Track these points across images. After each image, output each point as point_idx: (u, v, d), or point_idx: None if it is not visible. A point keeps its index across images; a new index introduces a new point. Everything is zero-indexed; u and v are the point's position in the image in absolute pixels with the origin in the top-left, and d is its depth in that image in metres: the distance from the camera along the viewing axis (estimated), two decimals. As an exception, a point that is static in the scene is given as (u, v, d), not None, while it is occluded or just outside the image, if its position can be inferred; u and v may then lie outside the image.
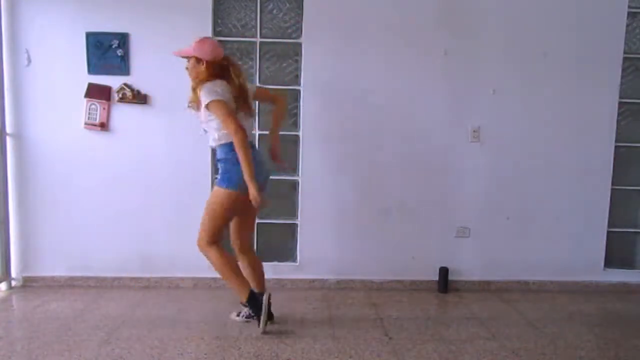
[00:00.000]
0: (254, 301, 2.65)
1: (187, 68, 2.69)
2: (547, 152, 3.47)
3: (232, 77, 2.61)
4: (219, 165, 2.67)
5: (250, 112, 2.71)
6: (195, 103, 2.63)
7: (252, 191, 2.50)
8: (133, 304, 3.09)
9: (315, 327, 2.78)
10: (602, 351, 2.58)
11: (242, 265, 2.77)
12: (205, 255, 2.69)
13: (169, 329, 2.71)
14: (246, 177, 2.49)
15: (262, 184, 2.60)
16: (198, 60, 2.62)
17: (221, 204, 2.62)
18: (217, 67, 2.61)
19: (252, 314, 2.72)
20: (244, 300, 2.66)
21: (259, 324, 2.64)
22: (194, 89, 2.60)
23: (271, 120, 2.90)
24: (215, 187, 2.67)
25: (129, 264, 3.41)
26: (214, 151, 2.82)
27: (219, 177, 2.67)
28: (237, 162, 2.50)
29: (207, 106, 2.52)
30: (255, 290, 2.72)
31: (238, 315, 2.85)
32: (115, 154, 3.33)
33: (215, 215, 2.64)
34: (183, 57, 2.69)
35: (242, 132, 2.47)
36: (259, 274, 2.83)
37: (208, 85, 2.54)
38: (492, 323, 2.91)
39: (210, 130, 2.65)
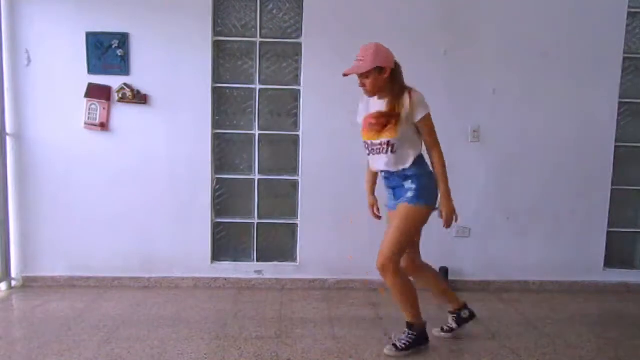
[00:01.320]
0: (421, 331, 2.50)
1: (363, 86, 2.35)
2: (547, 152, 3.47)
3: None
4: (410, 182, 2.37)
5: None
6: (390, 117, 2.32)
7: (451, 206, 2.39)
8: (133, 304, 3.09)
9: (315, 327, 2.78)
10: (602, 351, 2.57)
11: (422, 283, 2.65)
12: (389, 279, 2.40)
13: (169, 329, 2.71)
14: (445, 192, 2.37)
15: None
16: (380, 69, 2.31)
17: (420, 221, 2.42)
18: (399, 73, 2.38)
19: (409, 343, 2.47)
20: (418, 323, 2.50)
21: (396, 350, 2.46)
22: (393, 102, 2.32)
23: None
24: (411, 206, 2.35)
25: (129, 264, 3.41)
26: (390, 173, 2.43)
27: (413, 193, 2.35)
28: (432, 177, 2.39)
29: (424, 118, 2.34)
30: (452, 309, 2.67)
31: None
32: (115, 154, 3.34)
33: (410, 234, 2.40)
34: (361, 74, 2.32)
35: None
36: (444, 285, 2.72)
37: (419, 94, 2.35)
38: (492, 323, 2.91)
39: (402, 146, 2.34)
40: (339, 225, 3.44)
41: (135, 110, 3.32)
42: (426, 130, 2.39)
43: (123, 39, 3.25)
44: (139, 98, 3.30)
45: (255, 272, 3.48)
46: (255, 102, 3.41)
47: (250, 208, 3.52)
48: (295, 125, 3.44)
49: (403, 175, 2.39)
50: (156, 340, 2.56)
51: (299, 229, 3.47)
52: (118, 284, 3.42)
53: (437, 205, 2.44)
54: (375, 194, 2.68)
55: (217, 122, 3.43)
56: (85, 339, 2.56)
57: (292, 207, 3.49)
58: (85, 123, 3.29)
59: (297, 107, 3.43)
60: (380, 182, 2.56)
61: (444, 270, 3.46)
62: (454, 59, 3.37)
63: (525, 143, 3.46)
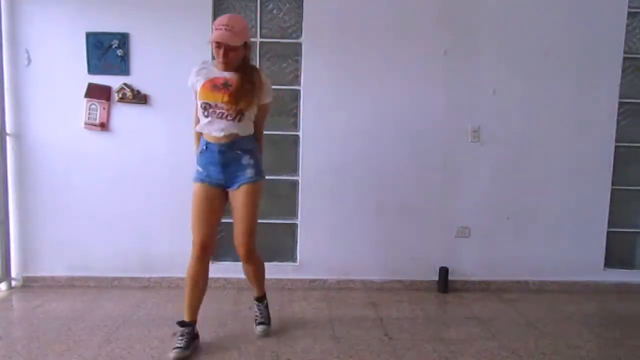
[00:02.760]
0: None
1: (225, 57, 2.27)
2: (547, 152, 3.47)
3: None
4: (248, 158, 2.38)
5: None
6: (245, 93, 2.32)
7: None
8: (133, 304, 3.10)
9: (315, 327, 2.78)
10: (602, 351, 2.58)
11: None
12: (254, 264, 2.50)
13: (169, 329, 2.70)
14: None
15: None
16: (245, 44, 2.32)
17: (261, 198, 2.45)
18: (251, 49, 2.42)
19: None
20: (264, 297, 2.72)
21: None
22: (245, 75, 2.33)
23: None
24: (252, 184, 2.37)
25: (129, 264, 3.41)
26: (229, 142, 2.37)
27: (252, 170, 2.38)
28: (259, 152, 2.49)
29: (269, 103, 2.46)
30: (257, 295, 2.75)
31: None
32: (115, 154, 3.34)
33: (258, 213, 2.43)
34: (232, 45, 2.26)
35: None
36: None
37: (267, 79, 2.44)
38: (492, 323, 2.91)
39: (244, 118, 2.36)
40: (339, 225, 3.44)
41: (135, 110, 3.31)
42: (263, 115, 2.48)
43: (123, 39, 3.25)
44: (139, 98, 3.30)
45: (255, 272, 3.48)
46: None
47: (250, 208, 3.52)
48: (295, 125, 3.44)
49: (243, 149, 2.38)
50: (156, 340, 2.56)
51: (299, 229, 3.47)
52: (118, 284, 3.42)
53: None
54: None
55: (217, 122, 3.43)
56: (85, 339, 2.56)
57: (292, 207, 3.49)
58: (85, 123, 3.29)
59: (297, 107, 3.43)
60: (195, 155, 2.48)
61: (444, 270, 3.46)
62: (454, 59, 3.37)
63: (525, 143, 3.46)
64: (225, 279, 3.45)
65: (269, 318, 2.74)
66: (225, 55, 2.27)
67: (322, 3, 3.30)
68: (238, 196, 2.39)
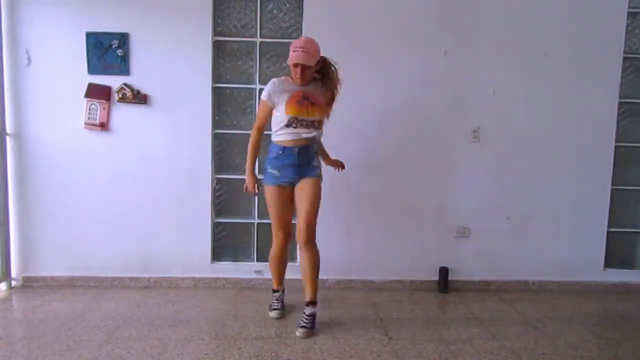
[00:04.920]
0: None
1: (302, 74, 2.63)
2: (547, 152, 3.47)
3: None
4: (316, 160, 2.78)
5: None
6: (325, 100, 2.73)
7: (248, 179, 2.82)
8: (133, 304, 3.09)
9: (316, 327, 2.78)
10: (602, 351, 2.58)
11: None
12: (312, 252, 2.72)
13: (169, 329, 2.71)
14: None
15: None
16: (317, 62, 2.68)
17: (321, 196, 2.76)
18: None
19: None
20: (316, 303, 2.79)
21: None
22: (333, 88, 2.72)
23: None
24: (316, 179, 2.74)
25: (129, 264, 3.41)
26: (306, 144, 2.73)
27: (318, 171, 2.77)
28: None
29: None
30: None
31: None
32: (115, 154, 3.34)
33: (319, 206, 2.73)
34: (308, 65, 2.62)
35: None
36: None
37: (339, 81, 2.76)
38: (492, 323, 2.91)
39: (322, 124, 2.79)
40: (339, 225, 3.44)
41: (135, 110, 3.31)
42: (328, 114, 2.82)
43: (123, 39, 3.25)
44: (139, 98, 3.30)
45: (255, 272, 3.48)
46: (255, 102, 3.40)
47: (250, 208, 3.52)
48: (295, 125, 3.44)
49: (312, 150, 2.77)
50: (156, 340, 2.56)
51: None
52: (118, 284, 3.42)
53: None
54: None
55: (217, 122, 3.43)
56: (85, 339, 2.56)
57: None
58: (85, 123, 3.29)
59: (297, 107, 3.42)
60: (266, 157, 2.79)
61: (444, 271, 3.46)
62: (454, 59, 3.37)
63: (525, 143, 3.46)
64: (225, 279, 3.46)
65: (313, 324, 2.72)
66: (302, 72, 2.62)
67: (322, 3, 3.30)
68: (304, 186, 2.71)
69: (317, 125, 2.74)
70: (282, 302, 2.99)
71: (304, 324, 2.69)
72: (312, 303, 2.74)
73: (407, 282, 3.52)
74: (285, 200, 2.74)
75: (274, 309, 2.93)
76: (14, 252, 3.38)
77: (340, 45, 3.31)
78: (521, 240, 3.53)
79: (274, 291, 3.01)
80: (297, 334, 2.66)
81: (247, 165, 2.75)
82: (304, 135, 2.69)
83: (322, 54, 2.70)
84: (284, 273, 3.00)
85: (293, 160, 2.68)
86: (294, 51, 2.60)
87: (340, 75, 2.74)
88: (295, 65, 2.61)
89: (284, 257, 2.93)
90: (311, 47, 2.60)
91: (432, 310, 3.16)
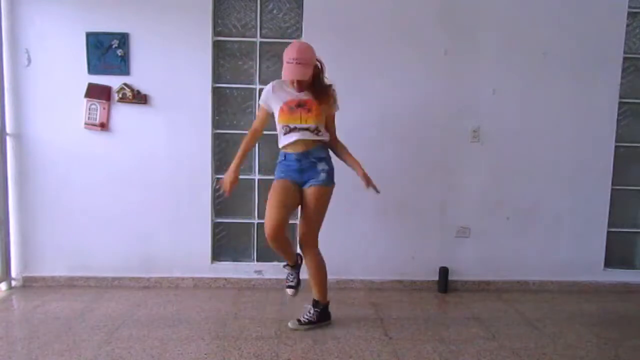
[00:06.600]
0: (325, 309, 2.84)
1: (299, 84, 2.59)
2: (547, 152, 3.47)
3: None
4: (323, 165, 2.69)
5: None
6: (323, 105, 2.65)
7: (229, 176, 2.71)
8: (133, 304, 3.10)
9: (315, 327, 2.78)
10: (602, 351, 2.58)
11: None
12: (311, 256, 2.73)
13: (169, 329, 2.71)
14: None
15: None
16: (313, 67, 2.61)
17: (328, 200, 2.74)
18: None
19: (313, 319, 2.80)
20: (324, 302, 2.82)
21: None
22: (329, 93, 2.67)
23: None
24: (324, 187, 2.69)
25: (129, 264, 3.41)
26: (305, 151, 2.66)
27: (325, 175, 2.69)
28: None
29: (334, 114, 2.75)
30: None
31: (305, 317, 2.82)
32: (115, 154, 3.34)
33: (323, 213, 2.73)
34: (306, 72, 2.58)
35: None
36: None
37: (334, 92, 2.71)
38: (492, 323, 2.91)
39: (319, 131, 2.67)
40: (339, 225, 3.44)
41: (135, 110, 3.31)
42: (332, 122, 2.76)
43: (123, 39, 3.25)
44: (139, 98, 3.30)
45: (255, 272, 3.49)
46: (255, 102, 3.41)
47: (250, 208, 3.52)
48: (295, 125, 3.44)
49: (317, 157, 2.68)
50: (156, 340, 2.56)
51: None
52: (118, 284, 3.42)
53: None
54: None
55: (217, 122, 3.43)
56: (85, 339, 2.56)
57: (292, 207, 3.49)
58: (85, 123, 3.29)
59: (297, 107, 3.42)
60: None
61: (444, 270, 3.46)
62: (454, 59, 3.37)
63: (525, 143, 3.46)
64: (225, 279, 3.46)
65: (310, 323, 2.78)
66: (299, 84, 2.59)
67: (322, 3, 3.30)
68: (308, 194, 2.68)
69: (316, 132, 2.64)
70: (298, 277, 2.86)
71: (299, 318, 2.79)
72: (315, 302, 2.81)
73: (407, 282, 3.52)
74: (287, 189, 2.65)
75: (288, 286, 2.83)
76: (14, 252, 3.38)
77: (340, 45, 3.32)
78: (521, 240, 3.53)
79: (286, 266, 2.86)
80: (289, 323, 2.77)
81: (233, 162, 2.69)
82: (301, 143, 2.64)
83: (322, 53, 2.67)
84: (290, 248, 2.76)
85: (295, 166, 2.67)
86: (287, 62, 2.52)
87: (333, 92, 2.70)
88: (291, 80, 2.60)
89: (280, 237, 2.65)
90: (306, 55, 2.52)
91: (432, 310, 3.16)
